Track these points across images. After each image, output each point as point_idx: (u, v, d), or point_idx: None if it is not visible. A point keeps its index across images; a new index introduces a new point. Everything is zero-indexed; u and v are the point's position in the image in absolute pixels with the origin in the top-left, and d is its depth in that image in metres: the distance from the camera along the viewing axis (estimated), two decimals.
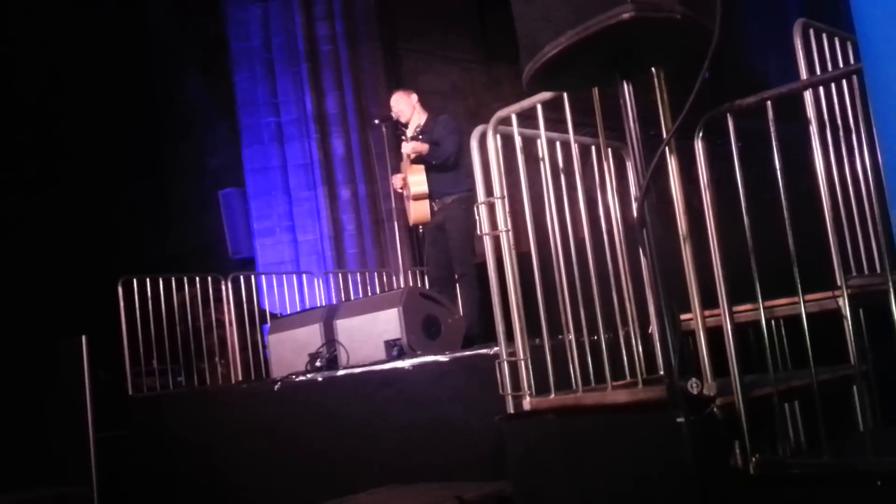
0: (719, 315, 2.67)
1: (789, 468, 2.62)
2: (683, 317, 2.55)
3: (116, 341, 6.18)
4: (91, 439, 5.51)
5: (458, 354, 4.13)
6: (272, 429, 4.86)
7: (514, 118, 3.27)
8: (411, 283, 8.21)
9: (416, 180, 5.98)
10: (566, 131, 3.20)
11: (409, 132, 6.19)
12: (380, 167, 9.03)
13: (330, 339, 5.21)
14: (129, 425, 6.10)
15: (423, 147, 5.95)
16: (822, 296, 2.94)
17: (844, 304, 2.76)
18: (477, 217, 3.40)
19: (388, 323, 4.94)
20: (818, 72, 3.37)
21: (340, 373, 4.67)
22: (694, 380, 2.32)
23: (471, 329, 5.50)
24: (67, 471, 5.61)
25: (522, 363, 3.20)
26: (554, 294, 3.12)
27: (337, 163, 9.45)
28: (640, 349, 3.09)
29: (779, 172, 2.70)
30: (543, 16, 2.27)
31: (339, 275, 8.54)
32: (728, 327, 2.65)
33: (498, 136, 3.30)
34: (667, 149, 2.53)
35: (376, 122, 7.02)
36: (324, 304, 7.81)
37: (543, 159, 3.21)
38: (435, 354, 4.23)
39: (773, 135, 2.75)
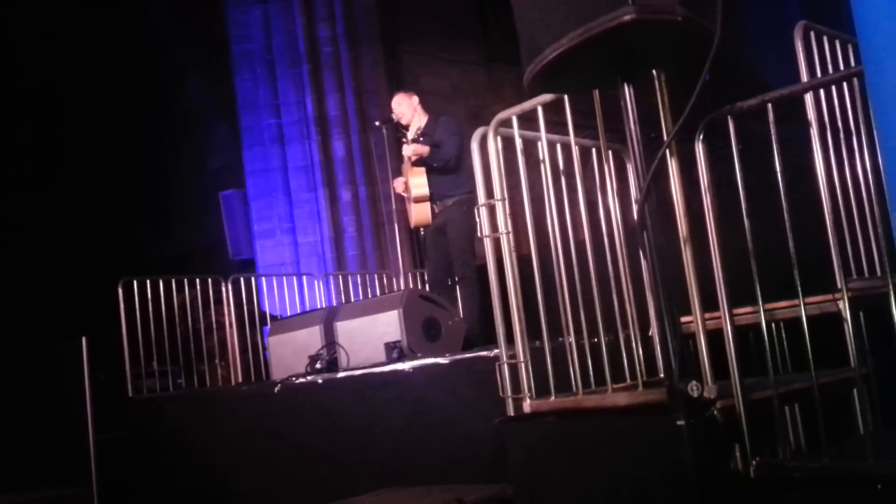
0: (720, 318, 2.66)
1: (790, 471, 2.62)
2: (684, 319, 2.55)
3: (116, 343, 6.17)
4: (91, 440, 5.51)
5: (458, 357, 4.13)
6: (272, 431, 4.86)
7: (514, 120, 3.27)
8: (411, 286, 8.21)
9: (417, 182, 5.98)
10: (567, 133, 3.19)
11: (410, 134, 6.19)
12: (380, 169, 9.03)
13: (330, 341, 5.20)
14: (129, 427, 6.09)
15: (424, 149, 5.95)
16: (822, 298, 2.94)
17: (845, 307, 2.76)
18: (477, 219, 3.40)
19: (388, 325, 4.93)
20: (819, 74, 3.37)
21: (340, 375, 4.67)
22: (694, 382, 2.32)
23: (471, 331, 5.50)
24: (67, 472, 5.62)
25: (523, 365, 3.19)
26: (554, 296, 3.11)
27: (337, 164, 9.45)
28: (641, 352, 3.09)
29: (779, 175, 2.70)
30: (544, 17, 2.27)
31: (340, 277, 8.54)
32: (728, 330, 2.65)
33: (498, 138, 3.30)
34: (667, 151, 2.53)
35: (377, 123, 7.02)
36: (324, 305, 7.81)
37: (544, 161, 3.20)
38: (435, 357, 4.23)
39: (773, 137, 2.75)
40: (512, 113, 3.27)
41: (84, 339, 5.66)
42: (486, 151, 3.30)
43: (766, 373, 2.78)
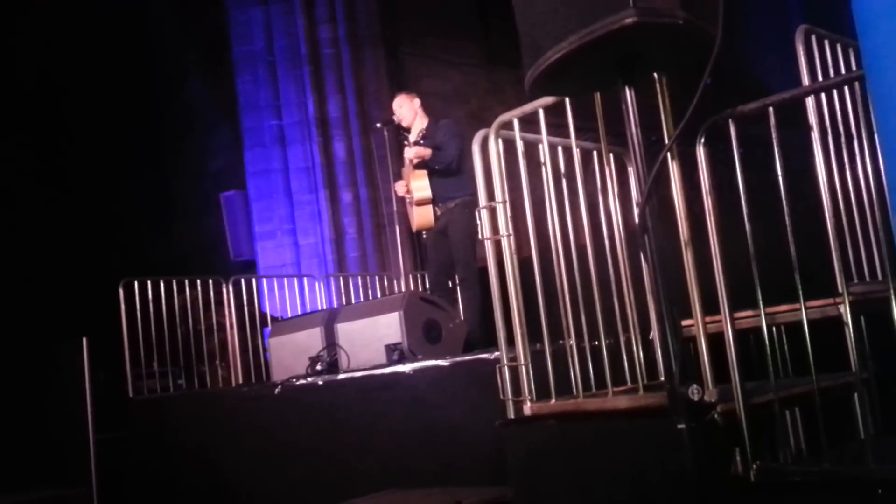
0: (720, 321, 2.66)
1: (790, 475, 2.62)
2: (684, 323, 2.55)
3: (117, 343, 6.18)
4: (91, 441, 5.51)
5: (458, 359, 4.13)
6: (272, 432, 4.86)
7: (515, 122, 3.27)
8: (412, 288, 8.21)
9: (419, 185, 5.97)
10: (568, 136, 3.19)
11: (412, 137, 6.19)
12: (381, 171, 9.03)
13: (330, 342, 5.20)
14: (129, 427, 6.10)
15: (426, 151, 5.94)
16: (823, 302, 2.94)
17: (846, 311, 2.76)
18: (478, 221, 3.40)
19: (388, 327, 4.94)
20: (820, 78, 3.37)
21: (341, 376, 4.67)
22: (695, 386, 2.32)
23: (472, 334, 5.50)
24: (67, 472, 5.62)
25: (523, 368, 3.19)
26: (555, 299, 3.11)
27: (338, 166, 9.45)
28: (641, 355, 3.09)
29: (780, 179, 2.70)
30: (546, 20, 2.27)
31: (340, 278, 8.54)
32: (729, 333, 2.64)
33: (500, 141, 3.30)
34: (669, 154, 2.53)
35: (378, 125, 7.01)
36: (325, 307, 7.81)
37: (545, 164, 3.20)
38: (435, 359, 4.23)
39: (774, 141, 2.75)
40: (513, 115, 3.27)
41: (84, 340, 5.66)
42: (487, 154, 3.30)
43: (766, 376, 2.78)
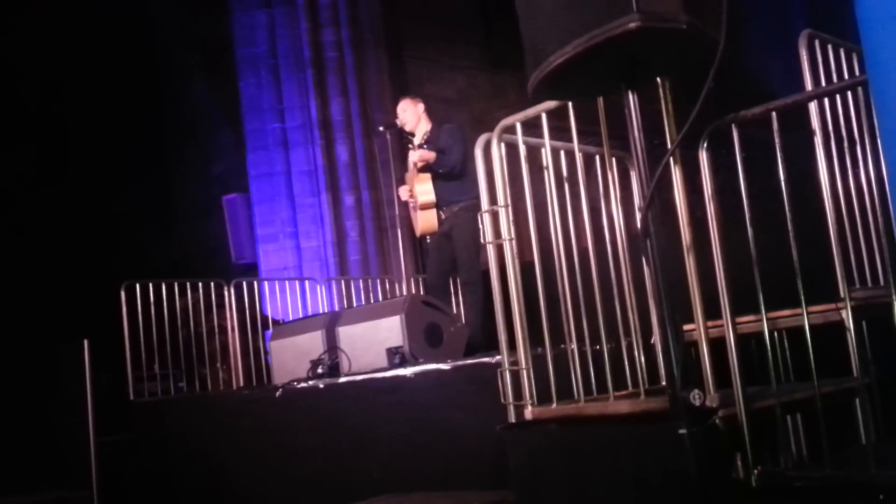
0: (722, 326, 2.66)
1: (791, 481, 2.61)
2: (686, 327, 2.55)
3: (119, 346, 6.18)
4: (92, 443, 5.52)
5: (459, 363, 4.13)
6: (273, 435, 4.85)
7: (518, 126, 3.27)
8: (414, 291, 8.20)
9: (423, 189, 5.96)
10: (570, 140, 3.19)
11: (416, 140, 6.19)
12: (384, 174, 9.05)
13: (332, 345, 5.20)
14: (131, 430, 6.10)
15: (431, 155, 5.94)
16: (825, 307, 2.93)
17: (848, 316, 2.75)
18: (480, 225, 3.40)
19: (390, 330, 4.93)
20: (823, 83, 3.37)
21: (342, 380, 4.67)
22: (696, 391, 2.31)
23: (474, 337, 5.49)
24: (68, 474, 5.62)
25: (524, 372, 3.19)
26: (556, 303, 3.11)
27: (341, 169, 9.45)
28: (643, 359, 3.09)
29: (783, 183, 2.70)
30: (549, 24, 2.27)
31: (342, 281, 8.54)
32: (731, 338, 2.64)
33: (502, 145, 3.30)
34: (671, 159, 2.53)
35: (381, 129, 7.02)
36: (326, 310, 7.81)
37: (547, 168, 3.20)
38: (437, 362, 4.23)
39: (777, 145, 2.74)
40: (516, 119, 3.27)
41: (86, 342, 5.67)
42: (490, 158, 3.30)
43: (768, 382, 2.78)
